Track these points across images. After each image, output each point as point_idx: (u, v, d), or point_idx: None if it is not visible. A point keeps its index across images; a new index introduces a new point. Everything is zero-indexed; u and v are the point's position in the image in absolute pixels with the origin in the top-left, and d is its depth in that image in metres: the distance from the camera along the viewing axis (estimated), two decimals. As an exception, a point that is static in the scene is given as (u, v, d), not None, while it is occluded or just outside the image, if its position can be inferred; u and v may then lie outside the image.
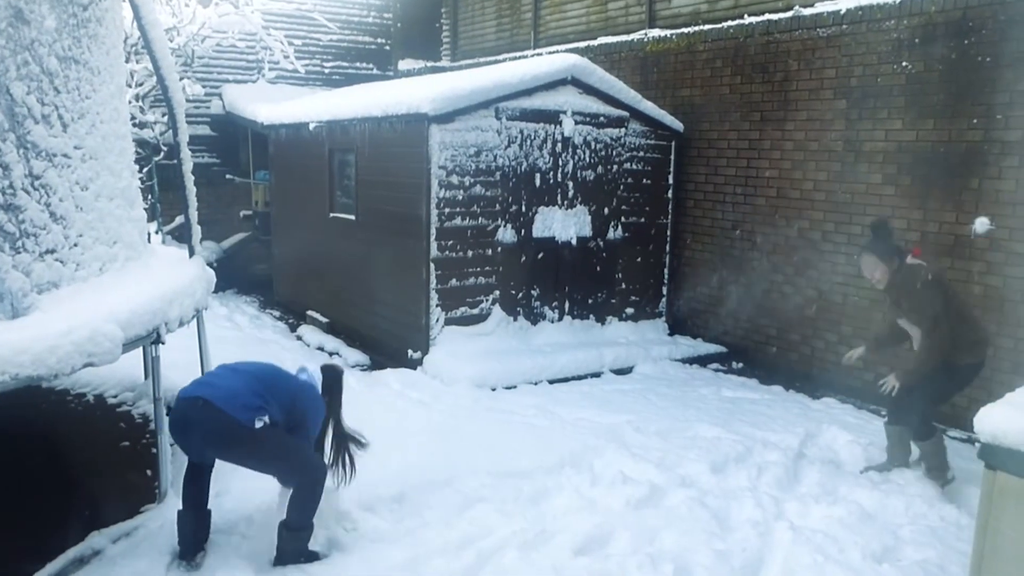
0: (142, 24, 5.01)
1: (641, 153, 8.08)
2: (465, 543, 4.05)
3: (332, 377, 4.13)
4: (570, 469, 4.96)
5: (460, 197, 7.08)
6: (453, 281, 7.20)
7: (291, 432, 3.82)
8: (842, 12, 6.77)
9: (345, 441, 4.13)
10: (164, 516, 4.22)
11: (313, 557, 3.81)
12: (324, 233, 8.85)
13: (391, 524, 4.26)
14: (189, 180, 5.41)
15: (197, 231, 5.54)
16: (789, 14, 7.27)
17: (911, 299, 4.67)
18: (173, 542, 3.90)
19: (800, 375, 7.39)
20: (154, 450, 5.17)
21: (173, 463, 4.74)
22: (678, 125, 8.19)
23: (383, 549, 3.95)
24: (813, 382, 7.24)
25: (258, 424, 3.65)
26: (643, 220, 8.24)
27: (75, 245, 4.16)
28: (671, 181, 8.38)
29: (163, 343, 4.32)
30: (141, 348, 4.79)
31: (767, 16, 7.49)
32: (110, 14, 4.73)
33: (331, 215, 8.64)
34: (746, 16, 7.74)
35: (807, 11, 7.12)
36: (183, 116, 5.34)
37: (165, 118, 10.79)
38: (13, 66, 3.78)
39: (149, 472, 4.88)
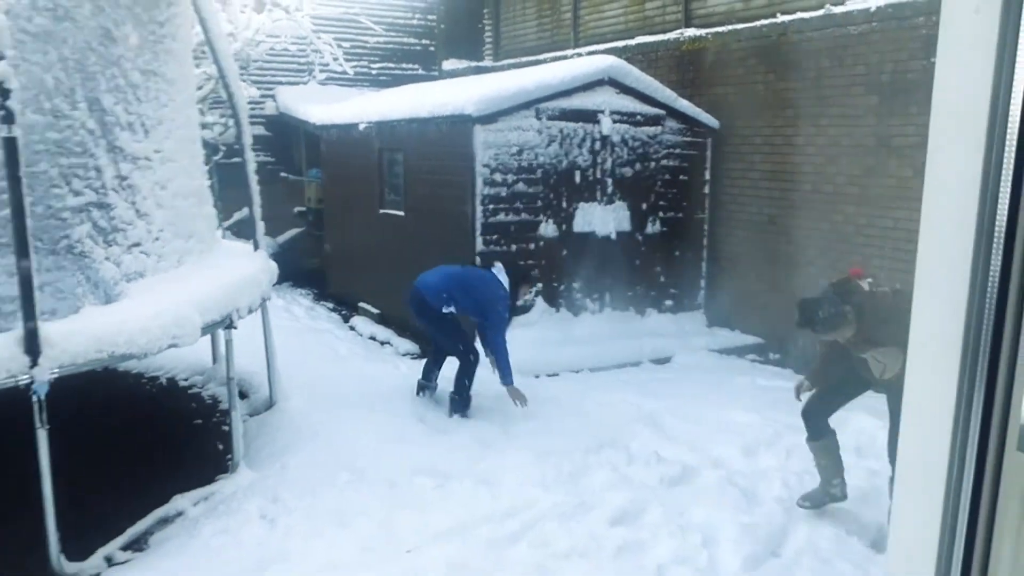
0: (209, 37, 5.44)
1: (678, 150, 8.34)
2: (509, 513, 4.39)
3: (514, 274, 6.04)
4: (608, 449, 5.28)
5: (504, 194, 7.42)
6: (497, 274, 7.54)
7: (481, 313, 5.89)
8: (872, 10, 6.95)
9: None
10: (237, 484, 4.66)
11: (466, 414, 5.98)
12: (374, 228, 9.27)
13: (442, 494, 4.64)
14: (253, 179, 5.83)
15: (260, 226, 5.97)
16: (820, 12, 7.46)
17: (888, 326, 3.93)
18: (248, 504, 4.34)
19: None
20: (224, 427, 5.64)
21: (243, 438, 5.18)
22: (713, 122, 8.42)
23: (433, 516, 4.32)
24: (847, 371, 7.43)
25: (445, 310, 5.84)
26: (681, 215, 8.50)
27: (157, 239, 4.61)
28: (708, 176, 8.62)
29: (235, 328, 4.75)
30: (209, 335, 5.24)
31: (799, 14, 7.68)
32: (182, 30, 5.17)
33: (381, 211, 9.06)
34: (779, 15, 7.94)
35: (838, 9, 7.30)
36: (247, 120, 5.77)
37: (223, 119, 11.35)
38: (103, 80, 4.23)
39: (221, 446, 5.34)
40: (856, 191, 7.28)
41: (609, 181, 7.93)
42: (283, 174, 12.70)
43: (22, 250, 3.41)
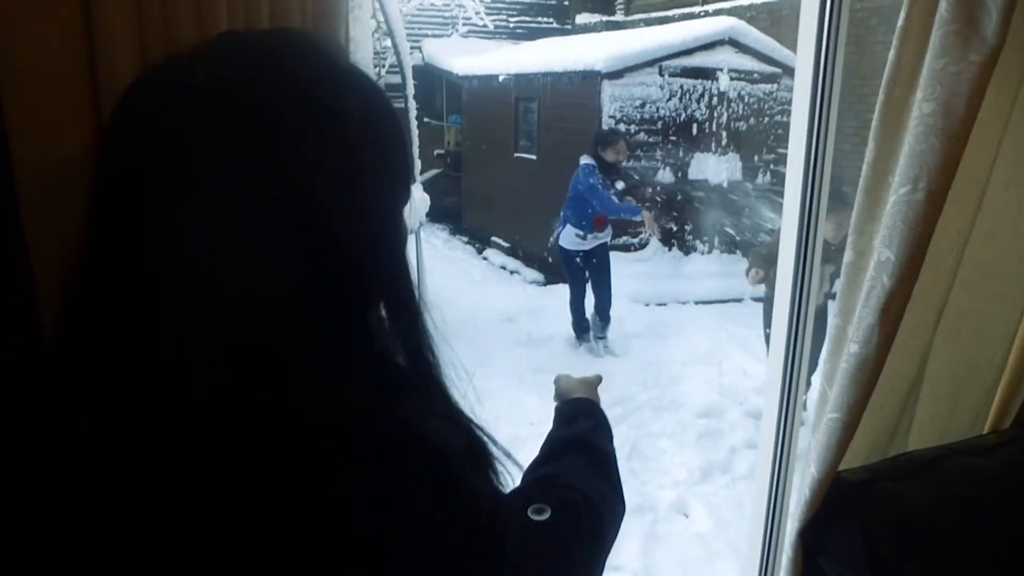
0: (384, 8, 6.56)
1: (792, 106, 8.87)
2: (614, 403, 5.39)
3: (593, 143, 6.75)
4: (702, 364, 6.19)
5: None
6: (617, 214, 8.45)
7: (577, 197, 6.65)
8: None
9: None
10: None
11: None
12: (508, 170, 10.31)
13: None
14: (412, 124, 6.98)
15: (417, 164, 7.13)
16: (942, -24, 7.79)
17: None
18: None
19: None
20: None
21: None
22: (830, 80, 8.89)
23: (552, 401, 5.39)
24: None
25: (562, 244, 6.87)
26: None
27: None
28: (821, 131, 9.13)
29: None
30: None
31: (922, -22, 8.03)
32: (367, 1, 6.29)
33: (515, 155, 10.08)
34: (902, -23, 8.29)
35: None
36: (410, 75, 6.89)
37: (376, 69, 12.60)
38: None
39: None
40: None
41: (724, 134, 8.63)
42: (425, 119, 13.90)
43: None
